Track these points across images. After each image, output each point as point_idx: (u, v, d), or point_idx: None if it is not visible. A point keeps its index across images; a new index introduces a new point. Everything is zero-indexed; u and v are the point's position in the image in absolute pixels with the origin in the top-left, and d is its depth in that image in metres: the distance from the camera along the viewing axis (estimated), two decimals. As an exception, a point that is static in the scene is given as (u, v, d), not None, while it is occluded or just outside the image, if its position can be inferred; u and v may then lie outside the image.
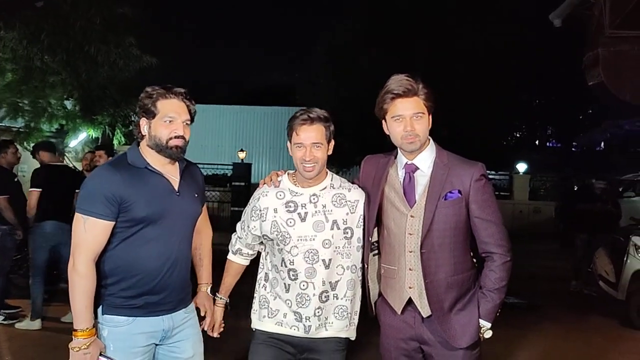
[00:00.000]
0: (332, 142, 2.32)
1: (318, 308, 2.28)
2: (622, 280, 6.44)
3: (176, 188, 2.24)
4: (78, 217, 2.10)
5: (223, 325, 2.53)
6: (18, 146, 6.17)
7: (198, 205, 2.36)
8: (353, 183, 2.42)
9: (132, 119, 12.41)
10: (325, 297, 2.29)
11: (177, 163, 2.27)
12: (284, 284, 2.31)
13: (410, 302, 2.26)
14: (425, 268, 2.21)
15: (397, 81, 2.21)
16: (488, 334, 2.24)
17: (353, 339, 2.41)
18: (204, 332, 2.44)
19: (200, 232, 2.46)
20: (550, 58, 18.61)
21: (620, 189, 13.37)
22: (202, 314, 2.48)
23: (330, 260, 2.28)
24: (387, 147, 2.38)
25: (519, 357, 5.07)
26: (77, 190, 5.50)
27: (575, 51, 12.16)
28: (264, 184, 2.40)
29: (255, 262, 2.52)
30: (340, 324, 2.34)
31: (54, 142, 6.71)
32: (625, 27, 9.28)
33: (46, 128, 11.25)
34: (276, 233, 2.29)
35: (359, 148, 12.64)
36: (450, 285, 2.22)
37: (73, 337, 2.07)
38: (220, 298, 2.51)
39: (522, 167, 19.85)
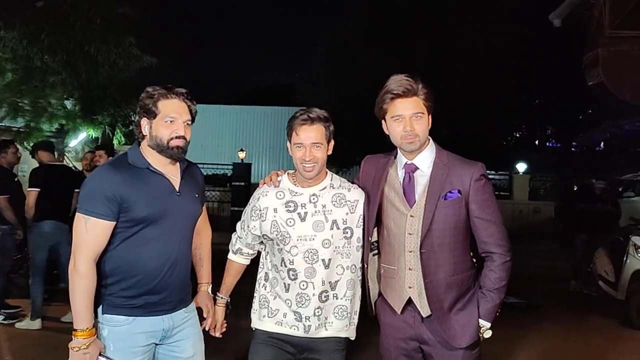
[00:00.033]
0: (332, 142, 2.32)
1: (318, 308, 2.28)
2: (622, 280, 6.44)
3: (177, 188, 2.24)
4: (79, 217, 2.10)
5: (226, 325, 2.53)
6: (18, 146, 6.17)
7: (198, 205, 2.37)
8: (353, 183, 2.43)
9: (132, 118, 12.42)
10: (325, 296, 2.29)
11: (178, 163, 2.27)
12: (284, 283, 2.31)
13: (410, 301, 2.26)
14: (425, 268, 2.21)
15: (397, 81, 2.21)
16: (488, 334, 2.24)
17: (353, 338, 2.42)
18: (205, 332, 2.44)
19: (200, 232, 2.47)
20: (550, 58, 18.61)
21: (620, 189, 13.37)
22: (205, 314, 2.48)
23: (329, 260, 2.28)
24: (387, 147, 2.38)
25: (519, 357, 5.07)
26: (76, 190, 5.51)
27: (575, 51, 12.16)
28: (264, 183, 2.40)
29: (255, 262, 2.53)
30: (340, 324, 2.34)
31: (53, 142, 6.70)
32: (625, 27, 9.29)
33: (46, 128, 11.25)
34: (276, 233, 2.30)
35: (359, 148, 12.64)
36: (450, 285, 2.22)
37: (73, 336, 2.07)
38: (221, 297, 2.51)
39: (522, 167, 19.86)
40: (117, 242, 2.13)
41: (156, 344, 2.24)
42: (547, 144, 26.36)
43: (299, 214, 2.29)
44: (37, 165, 5.58)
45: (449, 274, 2.22)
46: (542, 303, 7.12)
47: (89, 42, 10.66)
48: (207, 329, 2.47)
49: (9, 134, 10.20)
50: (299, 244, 2.27)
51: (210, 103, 23.23)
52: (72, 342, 2.07)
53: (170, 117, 2.17)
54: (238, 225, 2.48)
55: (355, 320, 2.41)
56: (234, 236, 2.50)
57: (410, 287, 2.25)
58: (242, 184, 15.17)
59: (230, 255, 2.52)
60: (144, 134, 2.21)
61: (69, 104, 11.75)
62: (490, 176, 4.56)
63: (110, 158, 5.83)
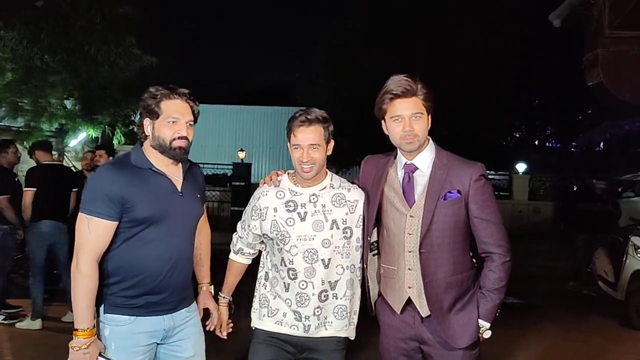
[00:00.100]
0: (332, 143, 2.33)
1: (317, 307, 2.29)
2: (621, 281, 6.45)
3: (179, 189, 2.24)
4: (82, 217, 2.11)
5: (231, 324, 2.53)
6: (18, 146, 6.16)
7: (200, 205, 2.37)
8: (353, 183, 2.43)
9: (132, 118, 12.43)
10: (324, 296, 2.30)
11: (180, 163, 2.27)
12: (284, 283, 2.32)
13: (409, 302, 2.26)
14: (425, 268, 2.21)
15: (396, 81, 2.22)
16: (487, 334, 2.24)
17: (352, 338, 2.42)
18: (207, 331, 2.44)
19: (200, 232, 2.47)
20: (550, 58, 18.58)
21: (620, 189, 13.37)
22: (215, 314, 2.48)
23: (329, 259, 2.28)
24: (387, 147, 2.38)
25: (519, 357, 5.08)
26: (74, 190, 5.51)
27: (575, 51, 12.16)
28: (264, 183, 2.41)
29: (255, 261, 2.53)
30: (339, 324, 2.34)
31: (51, 142, 6.68)
32: (624, 28, 9.29)
33: (46, 128, 11.26)
34: (276, 232, 2.30)
35: (359, 148, 12.63)
36: (450, 285, 2.22)
37: (73, 336, 2.08)
38: (223, 297, 2.52)
39: (521, 167, 19.86)
40: (119, 242, 2.14)
41: (157, 344, 2.25)
42: (547, 144, 26.33)
43: (298, 213, 2.29)
44: (35, 165, 5.57)
45: (449, 274, 2.22)
46: (542, 303, 7.12)
47: (89, 41, 10.66)
48: (210, 329, 2.48)
49: (9, 134, 10.20)
50: (298, 243, 2.27)
51: (210, 103, 23.24)
52: (72, 341, 2.07)
53: (172, 118, 2.18)
54: (239, 225, 2.49)
55: (355, 320, 2.41)
56: (234, 236, 2.51)
57: (409, 287, 2.25)
58: (242, 184, 15.17)
59: (232, 255, 2.53)
60: (147, 135, 2.21)
61: (69, 103, 11.74)
62: (490, 176, 4.56)
63: (111, 158, 5.84)
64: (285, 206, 2.31)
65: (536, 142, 26.09)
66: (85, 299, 2.07)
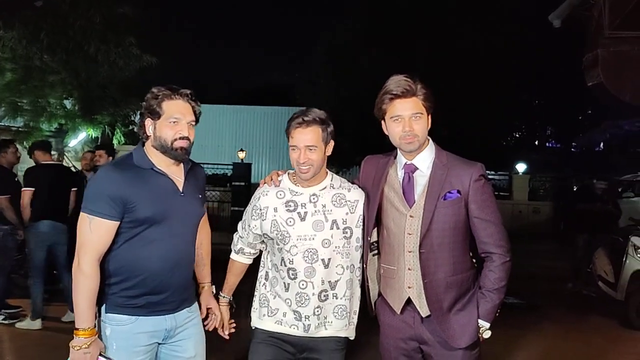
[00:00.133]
0: (332, 143, 2.33)
1: (317, 307, 2.29)
2: (621, 281, 6.45)
3: (180, 189, 2.25)
4: (83, 216, 2.11)
5: (233, 324, 2.54)
6: (18, 145, 6.16)
7: (201, 205, 2.37)
8: (353, 183, 2.43)
9: (132, 118, 12.42)
10: (324, 296, 2.30)
11: (182, 164, 2.27)
12: (284, 283, 2.32)
13: (409, 302, 2.27)
14: (424, 268, 2.21)
15: (396, 82, 2.22)
16: (487, 334, 2.24)
17: (352, 338, 2.42)
18: (207, 331, 2.45)
19: (201, 232, 2.47)
20: (550, 58, 18.58)
21: (620, 189, 13.37)
22: (211, 314, 2.48)
23: (329, 259, 2.29)
24: (387, 147, 2.39)
25: (519, 357, 5.08)
26: (73, 189, 5.51)
27: (575, 51, 12.15)
28: (265, 183, 2.41)
29: (256, 261, 2.53)
30: (339, 323, 2.34)
31: (50, 142, 6.67)
32: (624, 28, 9.28)
33: (46, 127, 11.26)
34: (276, 232, 2.30)
35: (359, 148, 12.63)
36: (450, 285, 2.22)
37: (74, 335, 2.08)
38: (224, 297, 2.52)
39: (521, 167, 19.88)
40: (121, 242, 2.14)
41: (159, 344, 2.25)
42: (547, 144, 26.33)
43: (298, 213, 2.30)
44: (33, 165, 5.57)
45: (449, 274, 2.22)
46: (541, 303, 7.13)
47: (89, 41, 10.65)
48: (211, 329, 2.48)
49: (9, 134, 10.20)
50: (298, 243, 2.28)
51: (210, 103, 23.22)
52: (73, 340, 2.08)
53: (174, 118, 2.18)
54: (239, 224, 2.49)
55: (355, 320, 2.42)
56: (235, 236, 2.51)
57: (409, 287, 2.25)
58: (242, 184, 15.18)
59: (233, 255, 2.53)
60: (148, 135, 2.22)
61: (68, 103, 11.73)
62: (490, 176, 4.56)
63: (110, 158, 5.84)
64: (286, 206, 2.31)
65: (536, 142, 26.09)
66: (86, 299, 2.07)
